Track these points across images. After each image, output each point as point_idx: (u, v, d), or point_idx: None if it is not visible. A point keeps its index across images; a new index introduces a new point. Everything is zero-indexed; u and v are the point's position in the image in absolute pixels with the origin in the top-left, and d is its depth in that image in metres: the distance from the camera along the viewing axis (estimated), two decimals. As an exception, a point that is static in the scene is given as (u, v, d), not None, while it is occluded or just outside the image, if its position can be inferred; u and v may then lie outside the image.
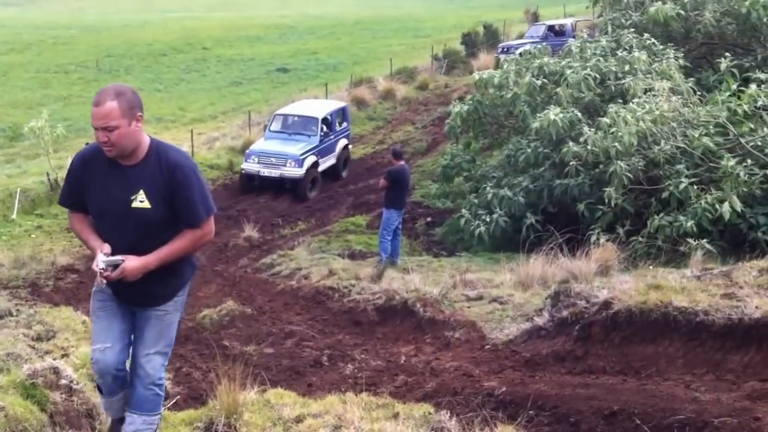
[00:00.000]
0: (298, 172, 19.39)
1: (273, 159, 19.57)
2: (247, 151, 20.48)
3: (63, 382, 5.08)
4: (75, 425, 4.84)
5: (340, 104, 22.89)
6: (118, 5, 61.32)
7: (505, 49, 31.62)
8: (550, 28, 33.16)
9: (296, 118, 20.89)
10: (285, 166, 19.38)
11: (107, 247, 3.95)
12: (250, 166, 19.81)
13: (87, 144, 4.29)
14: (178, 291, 4.22)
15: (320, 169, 20.27)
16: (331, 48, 40.82)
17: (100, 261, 3.90)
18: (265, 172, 19.57)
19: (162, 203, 3.93)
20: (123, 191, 3.92)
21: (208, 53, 40.56)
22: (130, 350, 4.24)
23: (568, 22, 34.44)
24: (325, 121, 20.71)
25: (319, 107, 21.95)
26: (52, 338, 6.96)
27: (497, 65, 29.24)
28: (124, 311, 4.19)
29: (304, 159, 19.50)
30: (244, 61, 38.46)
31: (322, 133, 20.35)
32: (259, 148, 20.08)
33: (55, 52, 40.42)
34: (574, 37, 29.79)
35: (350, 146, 22.45)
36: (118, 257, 3.92)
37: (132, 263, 3.92)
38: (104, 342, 4.12)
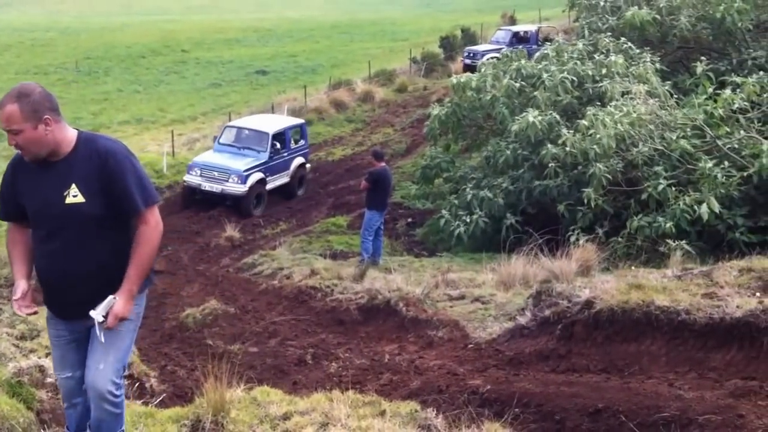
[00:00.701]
0: (240, 188, 18.09)
1: (215, 173, 18.25)
2: (190, 163, 19.26)
3: (49, 380, 5.06)
4: (62, 423, 4.81)
5: (298, 121, 21.68)
6: (97, 8, 60.94)
7: (471, 55, 31.56)
8: (515, 34, 32.79)
9: (247, 132, 19.52)
10: (227, 181, 18.09)
11: (22, 289, 3.75)
12: (192, 178, 18.52)
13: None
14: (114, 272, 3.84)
15: (269, 186, 19.02)
16: (310, 51, 40.84)
17: (98, 316, 3.67)
18: (207, 186, 18.24)
19: (97, 195, 3.68)
20: (54, 189, 3.69)
21: (187, 55, 40.45)
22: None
23: (531, 28, 34.05)
24: (277, 137, 19.35)
25: (273, 122, 20.60)
26: (36, 337, 6.91)
27: (464, 70, 29.67)
28: (77, 337, 3.91)
29: (248, 175, 18.21)
30: (222, 64, 38.39)
31: (273, 150, 18.99)
32: (203, 161, 18.83)
33: (33, 54, 40.17)
34: (538, 43, 30.20)
35: (308, 165, 20.90)
36: (109, 299, 3.68)
37: (122, 303, 3.70)
38: (62, 371, 3.97)
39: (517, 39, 32.04)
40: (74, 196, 3.66)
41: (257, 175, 18.50)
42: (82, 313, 3.75)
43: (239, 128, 19.83)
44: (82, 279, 3.76)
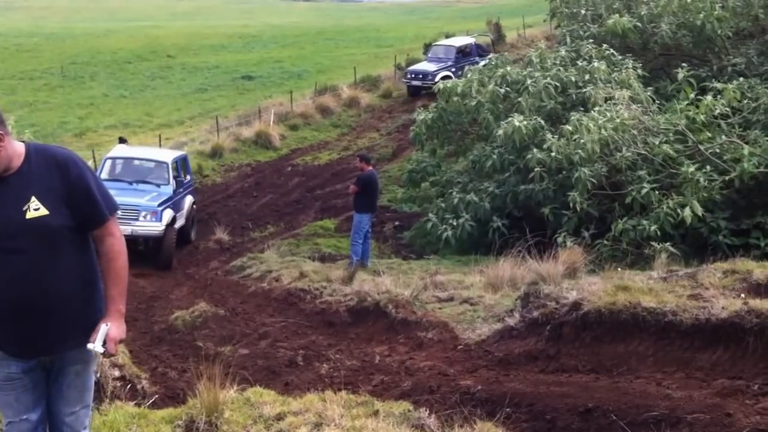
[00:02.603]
0: (157, 227, 14.56)
1: (119, 212, 13.64)
2: None
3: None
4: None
5: (180, 153, 18.16)
6: (81, 14, 60.69)
7: (421, 76, 29.07)
8: (460, 50, 30.47)
9: (137, 163, 16.23)
10: (137, 220, 14.52)
11: None
12: None
13: None
14: (96, 322, 3.51)
15: (176, 225, 15.55)
16: (295, 57, 40.86)
17: (98, 346, 3.43)
18: None
19: (61, 205, 3.38)
20: (11, 204, 3.34)
21: (173, 61, 40.37)
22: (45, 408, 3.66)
23: (470, 41, 32.07)
24: (175, 167, 16.19)
25: (162, 152, 17.91)
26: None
27: (410, 94, 29.23)
28: (33, 377, 3.55)
29: (162, 211, 14.82)
30: (208, 69, 38.35)
31: (176, 182, 15.95)
32: None
33: (19, 59, 39.99)
34: (478, 56, 29.73)
35: (195, 205, 17.46)
36: (102, 327, 3.46)
37: (115, 327, 3.47)
38: (16, 416, 3.55)
39: (463, 54, 30.25)
40: (35, 209, 3.34)
41: (169, 212, 15.09)
42: (46, 347, 3.46)
43: (127, 159, 16.40)
44: (49, 304, 3.40)
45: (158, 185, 15.45)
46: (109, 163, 16.07)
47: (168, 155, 16.81)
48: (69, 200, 3.40)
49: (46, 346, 3.47)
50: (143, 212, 14.53)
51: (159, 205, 14.81)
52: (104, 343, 3.45)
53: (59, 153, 3.48)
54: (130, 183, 15.49)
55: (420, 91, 29.16)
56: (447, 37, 36.82)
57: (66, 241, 3.41)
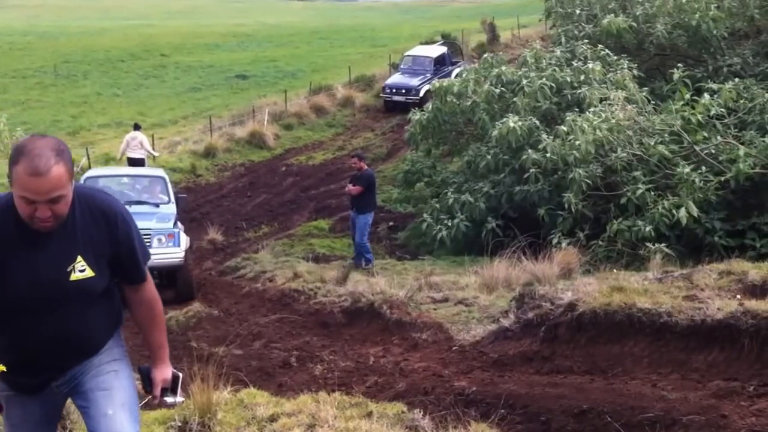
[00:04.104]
0: (177, 254, 11.78)
1: None
2: None
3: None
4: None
5: (159, 172, 14.77)
6: (75, 12, 60.53)
7: (403, 91, 27.27)
8: (437, 60, 28.87)
9: (127, 180, 14.08)
10: (151, 247, 10.90)
11: None
12: None
13: None
14: (116, 329, 3.24)
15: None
16: (290, 56, 40.81)
17: (179, 397, 3.22)
18: None
19: (105, 266, 3.00)
20: (53, 264, 2.89)
21: (167, 60, 40.29)
22: None
23: (441, 50, 30.28)
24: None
25: (151, 169, 16.32)
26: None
27: (388, 108, 27.75)
28: (48, 411, 3.21)
29: (179, 232, 12.23)
30: (202, 68, 38.28)
31: (176, 199, 13.37)
32: None
33: (11, 58, 39.87)
34: (452, 63, 29.08)
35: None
36: (179, 377, 3.23)
37: (163, 370, 3.20)
38: None
39: (440, 63, 28.74)
40: (81, 270, 2.92)
41: (184, 234, 12.59)
42: (65, 364, 3.11)
43: (112, 177, 14.16)
44: (74, 348, 3.08)
45: (157, 204, 12.90)
46: (90, 184, 11.66)
47: (159, 171, 14.89)
48: (112, 259, 3.02)
49: (62, 363, 3.11)
50: (157, 236, 11.74)
51: (174, 226, 12.25)
52: (169, 391, 3.21)
53: (107, 205, 3.01)
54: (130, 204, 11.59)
55: (399, 106, 27.10)
56: (443, 36, 36.68)
57: (102, 297, 3.07)
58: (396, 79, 28.49)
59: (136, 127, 20.40)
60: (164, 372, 3.20)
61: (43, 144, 2.75)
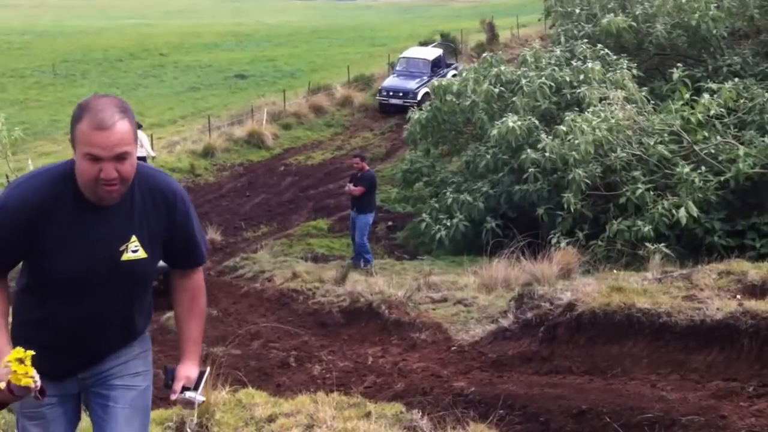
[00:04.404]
0: None
1: None
2: None
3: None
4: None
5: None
6: (74, 12, 60.49)
7: (398, 94, 26.89)
8: (434, 62, 28.31)
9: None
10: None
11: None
12: None
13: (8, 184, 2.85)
14: (146, 325, 3.12)
15: None
16: (289, 55, 40.76)
17: (199, 396, 3.00)
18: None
19: (157, 248, 2.88)
20: (108, 242, 2.76)
21: (165, 59, 40.22)
22: None
23: (437, 52, 29.64)
24: None
25: None
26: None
27: (381, 110, 27.55)
28: (66, 400, 3.00)
29: None
30: (201, 68, 38.22)
31: None
32: None
33: (9, 57, 39.80)
34: (447, 66, 28.84)
35: None
36: (204, 374, 3.03)
37: (190, 368, 3.02)
38: None
39: (436, 66, 28.26)
40: (134, 251, 2.80)
41: None
42: (92, 359, 2.96)
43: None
44: (112, 332, 2.94)
45: None
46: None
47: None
48: (167, 242, 2.90)
49: (88, 362, 2.97)
50: None
51: None
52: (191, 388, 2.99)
53: (167, 186, 2.89)
54: None
55: (394, 109, 26.91)
56: (442, 36, 36.61)
57: (149, 280, 2.95)
58: (392, 81, 28.15)
59: (138, 126, 20.38)
60: (191, 370, 3.02)
61: (107, 101, 2.68)
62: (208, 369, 3.05)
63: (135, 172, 2.73)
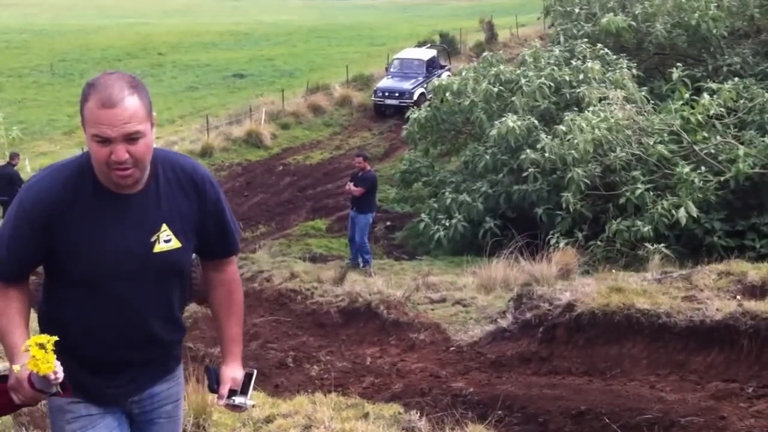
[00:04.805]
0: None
1: None
2: None
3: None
4: (39, 425, 4.74)
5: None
6: (72, 11, 60.46)
7: (394, 94, 26.78)
8: (429, 63, 28.25)
9: None
10: None
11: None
12: None
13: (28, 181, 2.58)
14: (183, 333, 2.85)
15: None
16: (287, 55, 40.74)
17: (249, 401, 2.75)
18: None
19: (192, 236, 2.63)
20: (134, 234, 2.51)
21: (164, 58, 40.21)
22: None
23: (431, 53, 29.55)
24: None
25: None
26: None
27: (376, 111, 27.46)
28: (117, 417, 2.70)
29: None
30: (199, 67, 38.19)
31: None
32: None
33: (8, 56, 39.77)
34: (441, 68, 28.76)
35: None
36: (252, 377, 2.78)
37: (234, 368, 2.77)
38: None
39: (431, 66, 28.11)
40: (167, 240, 2.55)
41: None
42: (138, 388, 2.68)
43: None
44: (153, 338, 2.65)
45: None
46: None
47: None
48: (200, 229, 2.65)
49: (137, 386, 2.70)
50: None
51: None
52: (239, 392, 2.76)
53: (194, 170, 2.65)
54: None
55: (389, 110, 27.00)
56: (441, 35, 36.60)
57: (186, 272, 2.70)
58: (387, 82, 27.94)
59: None
60: (235, 370, 2.76)
61: (116, 76, 2.43)
62: (255, 371, 2.79)
63: (154, 156, 2.50)
